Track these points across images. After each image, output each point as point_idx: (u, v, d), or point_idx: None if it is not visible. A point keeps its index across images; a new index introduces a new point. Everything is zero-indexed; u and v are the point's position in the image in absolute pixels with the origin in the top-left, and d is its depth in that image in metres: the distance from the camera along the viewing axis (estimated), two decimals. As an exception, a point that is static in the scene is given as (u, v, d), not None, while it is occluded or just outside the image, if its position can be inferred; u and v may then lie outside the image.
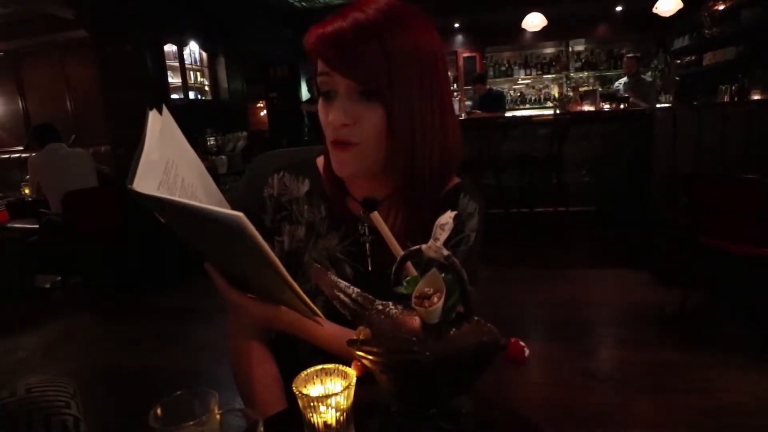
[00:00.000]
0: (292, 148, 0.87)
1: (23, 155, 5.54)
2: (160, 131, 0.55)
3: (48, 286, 3.80)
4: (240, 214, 0.47)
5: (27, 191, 4.18)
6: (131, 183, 0.45)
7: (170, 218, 0.51)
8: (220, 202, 0.71)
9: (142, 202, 0.46)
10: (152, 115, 0.56)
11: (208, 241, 0.59)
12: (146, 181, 0.47)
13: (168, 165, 0.54)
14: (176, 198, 0.48)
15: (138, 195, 0.45)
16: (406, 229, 0.76)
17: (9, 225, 4.06)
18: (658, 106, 4.89)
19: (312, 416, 0.53)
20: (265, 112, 7.54)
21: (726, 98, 4.91)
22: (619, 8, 6.81)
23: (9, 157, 5.72)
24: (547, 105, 7.40)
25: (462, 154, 0.75)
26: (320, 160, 0.81)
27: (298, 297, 0.59)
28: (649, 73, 6.52)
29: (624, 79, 5.27)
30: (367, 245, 0.78)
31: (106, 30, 4.14)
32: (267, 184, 0.80)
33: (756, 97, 4.53)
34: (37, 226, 3.73)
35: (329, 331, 0.72)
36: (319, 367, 0.57)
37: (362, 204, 0.77)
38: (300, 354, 0.79)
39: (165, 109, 0.59)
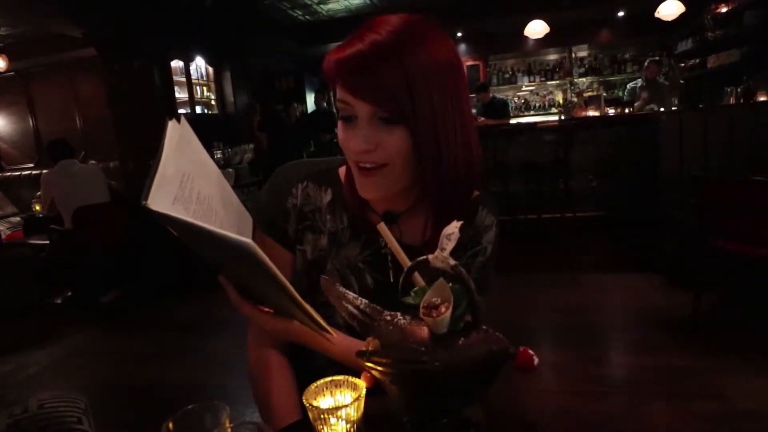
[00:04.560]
0: (314, 159, 0.87)
1: (34, 172, 5.62)
2: (178, 142, 0.56)
3: (59, 301, 3.83)
4: (250, 242, 0.47)
5: (38, 208, 4.24)
6: (145, 199, 0.45)
7: (184, 235, 0.51)
8: (238, 213, 0.72)
9: (156, 219, 0.46)
10: (171, 126, 0.56)
11: (221, 259, 0.60)
12: (161, 197, 0.48)
13: (184, 178, 0.55)
14: (189, 219, 0.48)
15: (152, 212, 0.45)
16: (429, 241, 0.76)
17: (21, 241, 4.11)
18: (662, 109, 4.87)
19: (323, 428, 0.53)
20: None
21: (732, 100, 4.88)
22: (621, 13, 6.82)
23: (20, 175, 5.81)
24: (552, 111, 7.41)
25: (482, 164, 0.74)
26: (342, 170, 0.82)
27: (309, 316, 0.60)
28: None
29: (638, 82, 5.26)
30: (389, 256, 0.79)
31: (114, 48, 4.22)
32: (291, 194, 0.80)
33: (762, 99, 4.50)
34: (48, 242, 3.77)
35: (342, 345, 0.73)
36: (329, 378, 0.57)
37: (382, 218, 0.77)
38: (317, 364, 0.79)
39: (183, 119, 0.60)
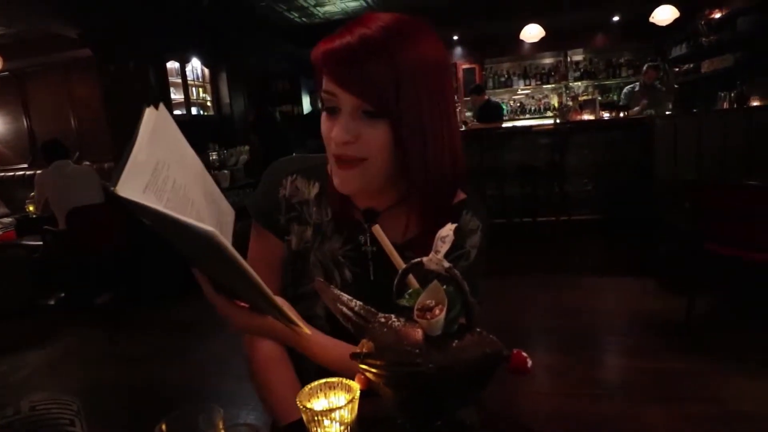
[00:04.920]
0: (307, 155, 0.89)
1: (27, 173, 5.59)
2: (153, 129, 0.54)
3: (52, 302, 3.80)
4: (213, 230, 0.46)
5: (31, 208, 4.21)
6: (114, 185, 0.44)
7: (156, 225, 0.50)
8: (219, 205, 0.71)
9: (126, 206, 0.45)
10: (148, 112, 0.55)
11: (191, 249, 0.58)
12: (131, 184, 0.46)
13: (158, 166, 0.53)
14: (156, 206, 0.46)
15: (120, 199, 0.44)
16: (410, 240, 0.77)
17: (14, 242, 4.08)
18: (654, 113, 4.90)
19: (316, 430, 0.53)
20: (267, 126, 7.57)
21: (725, 105, 4.92)
22: (616, 18, 6.86)
23: (14, 175, 5.77)
24: (547, 114, 7.44)
25: (466, 165, 0.75)
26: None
27: (278, 310, 0.59)
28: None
29: (635, 86, 5.28)
30: (369, 254, 0.79)
31: (109, 48, 4.21)
32: (281, 186, 0.82)
33: (755, 104, 4.54)
34: (41, 243, 3.74)
35: (318, 342, 0.73)
36: (323, 380, 0.57)
37: (363, 214, 0.78)
38: (308, 359, 0.80)
39: (162, 106, 0.58)
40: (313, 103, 6.45)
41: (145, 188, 0.49)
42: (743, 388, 1.95)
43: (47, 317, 3.63)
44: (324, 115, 0.69)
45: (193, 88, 5.43)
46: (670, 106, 5.32)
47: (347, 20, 0.66)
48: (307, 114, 6.86)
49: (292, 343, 0.74)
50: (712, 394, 1.93)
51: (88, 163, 4.78)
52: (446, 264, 0.48)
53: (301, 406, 0.53)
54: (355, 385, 0.55)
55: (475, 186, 0.83)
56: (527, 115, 7.64)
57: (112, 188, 0.44)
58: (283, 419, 0.75)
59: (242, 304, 0.70)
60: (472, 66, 7.70)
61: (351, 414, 0.53)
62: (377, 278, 0.79)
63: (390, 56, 0.62)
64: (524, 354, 0.49)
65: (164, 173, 0.54)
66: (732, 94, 4.89)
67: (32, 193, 4.07)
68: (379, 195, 0.77)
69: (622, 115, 5.06)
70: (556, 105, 7.42)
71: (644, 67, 5.33)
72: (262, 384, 0.80)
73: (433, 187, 0.70)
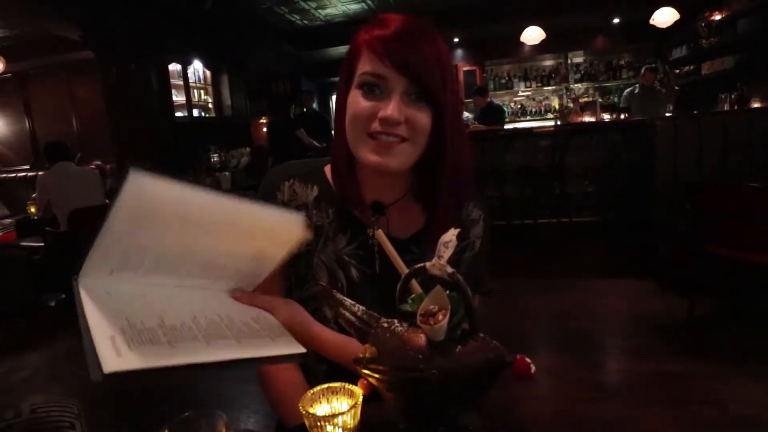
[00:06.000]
0: (301, 160, 0.90)
1: (29, 174, 5.59)
2: (127, 213, 0.49)
3: (52, 304, 3.81)
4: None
5: (33, 210, 4.22)
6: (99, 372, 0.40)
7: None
8: (247, 222, 0.62)
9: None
10: (125, 190, 0.48)
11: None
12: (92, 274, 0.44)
13: (131, 249, 0.51)
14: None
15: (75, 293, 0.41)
16: (415, 234, 0.79)
17: (14, 243, 4.09)
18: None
19: (319, 436, 0.53)
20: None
21: (726, 107, 4.93)
22: (616, 20, 6.87)
23: (15, 176, 5.77)
24: (548, 116, 7.45)
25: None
26: (327, 168, 0.84)
27: (278, 358, 0.59)
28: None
29: (635, 88, 5.28)
30: (376, 247, 0.80)
31: (111, 50, 4.22)
32: (279, 191, 0.83)
33: (756, 105, 4.54)
34: (42, 244, 3.75)
35: (330, 340, 0.73)
36: (326, 385, 0.57)
37: (372, 207, 0.79)
38: (307, 359, 0.80)
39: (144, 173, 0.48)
40: (306, 101, 6.25)
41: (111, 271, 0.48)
42: (744, 391, 1.95)
43: (47, 318, 3.63)
44: (360, 95, 0.70)
45: (195, 90, 5.44)
46: (670, 108, 5.33)
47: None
48: (299, 115, 6.73)
49: (306, 346, 0.74)
50: (713, 397, 1.92)
51: (92, 166, 4.78)
52: (449, 269, 0.48)
53: (304, 412, 0.53)
54: (358, 391, 0.55)
55: (476, 187, 0.85)
56: (528, 117, 7.65)
57: (94, 377, 0.41)
58: (291, 422, 0.75)
59: None
60: (473, 68, 7.71)
61: (354, 419, 0.53)
62: (383, 272, 0.80)
63: (435, 42, 0.69)
64: (527, 360, 0.49)
65: (138, 258, 0.52)
66: (732, 96, 4.89)
67: (34, 195, 4.07)
68: (389, 188, 0.79)
69: (622, 117, 5.07)
70: (557, 107, 7.42)
71: (642, 70, 5.33)
72: (271, 386, 0.80)
73: (455, 172, 0.74)
